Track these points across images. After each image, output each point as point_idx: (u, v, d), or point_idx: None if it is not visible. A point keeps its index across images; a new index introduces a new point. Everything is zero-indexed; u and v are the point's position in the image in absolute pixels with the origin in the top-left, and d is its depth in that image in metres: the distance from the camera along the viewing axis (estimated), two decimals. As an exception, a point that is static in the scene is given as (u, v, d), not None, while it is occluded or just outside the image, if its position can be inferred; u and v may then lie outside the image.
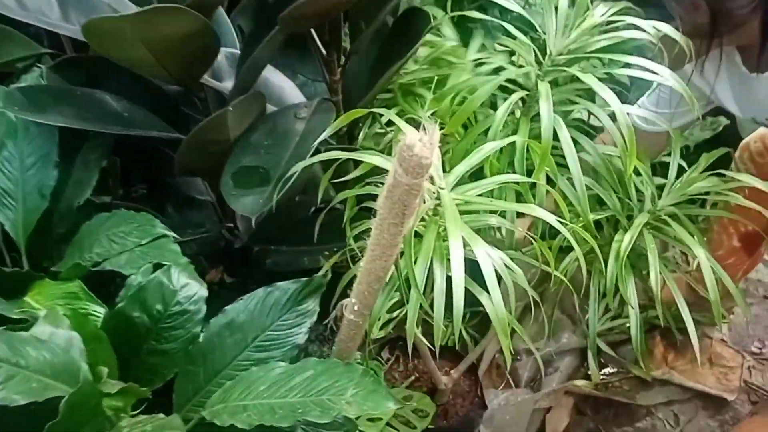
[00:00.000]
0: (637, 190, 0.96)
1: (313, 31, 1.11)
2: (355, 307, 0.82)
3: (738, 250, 1.32)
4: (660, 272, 0.91)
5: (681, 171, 1.01)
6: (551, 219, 0.70)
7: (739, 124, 1.69)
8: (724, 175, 0.95)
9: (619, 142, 0.80)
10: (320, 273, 0.88)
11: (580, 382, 1.45)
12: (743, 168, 1.20)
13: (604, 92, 0.79)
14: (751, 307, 1.76)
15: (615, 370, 1.56)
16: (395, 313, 1.12)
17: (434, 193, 0.75)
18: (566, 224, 0.88)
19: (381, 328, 1.17)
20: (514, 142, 0.86)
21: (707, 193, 0.94)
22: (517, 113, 0.92)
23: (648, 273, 0.98)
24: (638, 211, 0.96)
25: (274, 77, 1.28)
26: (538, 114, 0.91)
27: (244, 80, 1.00)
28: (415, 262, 0.71)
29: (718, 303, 0.86)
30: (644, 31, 0.82)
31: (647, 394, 1.49)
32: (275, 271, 1.28)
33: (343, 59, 1.17)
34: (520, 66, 0.91)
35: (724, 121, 1.61)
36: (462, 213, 0.77)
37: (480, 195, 0.80)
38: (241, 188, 0.99)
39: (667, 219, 0.92)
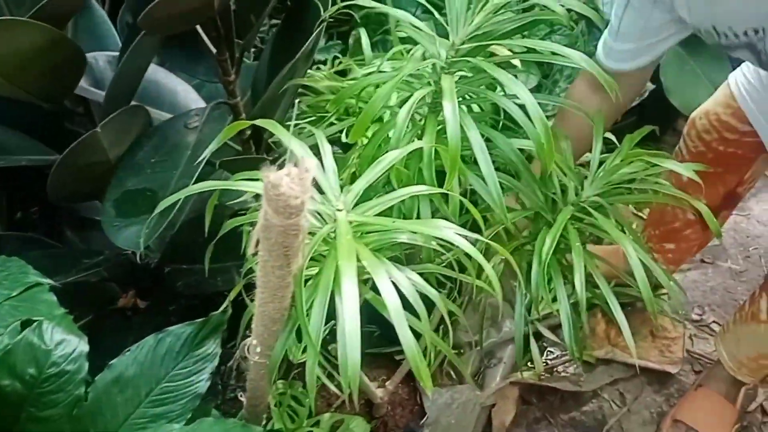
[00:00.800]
0: (563, 184, 0.88)
1: (199, 28, 0.99)
2: (257, 349, 0.73)
3: (694, 222, 1.28)
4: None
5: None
6: (460, 241, 0.62)
7: (666, 89, 1.66)
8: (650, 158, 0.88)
9: (533, 136, 0.72)
10: (220, 309, 0.78)
11: (525, 374, 1.40)
12: (691, 145, 1.16)
13: (510, 82, 0.71)
14: (689, 273, 1.74)
15: (558, 353, 1.52)
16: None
17: (331, 216, 0.66)
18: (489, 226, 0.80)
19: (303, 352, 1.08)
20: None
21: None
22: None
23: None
24: (562, 206, 0.89)
25: (165, 80, 1.16)
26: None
27: (117, 91, 0.88)
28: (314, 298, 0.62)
29: (651, 300, 0.80)
30: (551, 10, 0.74)
31: (592, 377, 1.45)
32: (187, 293, 1.18)
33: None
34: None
35: (649, 86, 1.56)
36: (367, 233, 0.69)
37: (385, 211, 0.71)
38: (124, 218, 0.88)
39: (591, 210, 0.85)
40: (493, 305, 1.34)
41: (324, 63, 1.55)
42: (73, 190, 0.93)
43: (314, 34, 0.90)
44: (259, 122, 0.69)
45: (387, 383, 1.16)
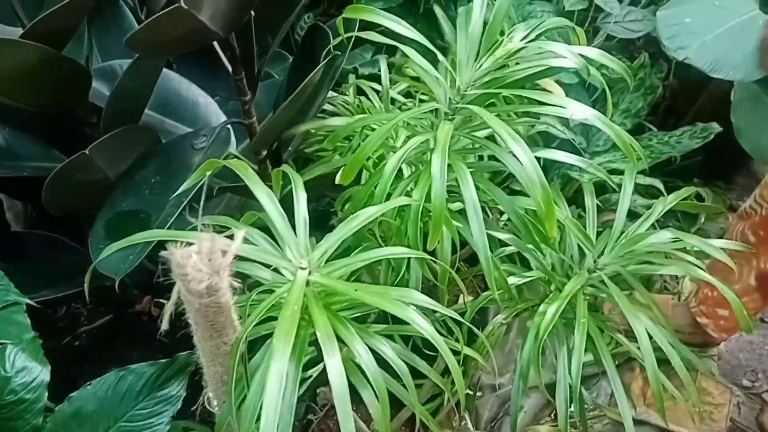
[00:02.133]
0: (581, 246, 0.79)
1: (217, 46, 0.96)
2: (214, 402, 0.68)
3: (753, 290, 1.13)
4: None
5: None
6: (418, 322, 0.55)
7: (736, 131, 1.51)
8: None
9: (534, 199, 0.64)
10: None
11: (544, 428, 1.30)
12: (763, 208, 1.03)
13: (509, 137, 0.63)
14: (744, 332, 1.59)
15: (588, 405, 1.41)
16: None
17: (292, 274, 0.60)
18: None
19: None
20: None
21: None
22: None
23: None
24: (577, 271, 0.80)
25: (187, 92, 1.13)
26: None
27: (115, 110, 0.85)
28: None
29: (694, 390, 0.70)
30: (565, 58, 0.65)
31: (619, 435, 1.34)
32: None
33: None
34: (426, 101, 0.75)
35: (716, 128, 1.42)
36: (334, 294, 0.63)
37: (372, 264, 0.65)
38: (112, 240, 0.85)
39: (606, 280, 0.76)
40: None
41: (369, 77, 1.49)
42: (69, 204, 0.91)
43: (322, 63, 0.85)
44: (227, 163, 0.64)
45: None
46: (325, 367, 0.52)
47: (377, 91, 1.14)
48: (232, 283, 0.46)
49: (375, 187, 0.73)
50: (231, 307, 0.48)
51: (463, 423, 1.35)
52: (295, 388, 0.58)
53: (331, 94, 1.16)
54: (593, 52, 0.67)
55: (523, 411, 1.36)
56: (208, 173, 0.75)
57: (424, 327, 0.55)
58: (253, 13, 0.89)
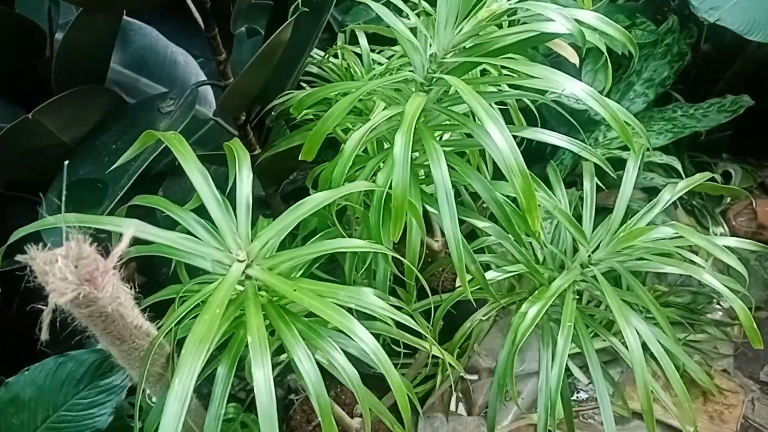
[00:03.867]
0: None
1: (189, 1, 0.87)
2: (153, 399, 0.62)
3: None
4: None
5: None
6: (359, 333, 0.47)
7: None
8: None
9: (513, 187, 0.55)
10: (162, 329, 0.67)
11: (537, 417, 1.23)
12: None
13: (487, 117, 0.54)
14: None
15: (588, 396, 1.34)
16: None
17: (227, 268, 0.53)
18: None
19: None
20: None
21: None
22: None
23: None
24: (569, 265, 0.72)
25: (165, 50, 1.05)
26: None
27: (63, 70, 0.77)
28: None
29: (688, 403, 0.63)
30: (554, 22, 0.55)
31: (622, 430, 1.26)
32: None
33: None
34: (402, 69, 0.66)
35: (747, 101, 1.29)
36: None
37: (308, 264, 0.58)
38: (67, 212, 0.79)
39: (598, 276, 0.68)
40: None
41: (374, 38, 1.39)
42: (23, 171, 0.85)
43: (290, 20, 0.75)
44: (160, 135, 0.56)
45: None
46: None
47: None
48: (121, 288, 0.39)
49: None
50: (126, 314, 0.41)
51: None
52: (225, 394, 0.52)
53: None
54: (589, 16, 0.57)
55: (521, 397, 1.29)
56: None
57: (365, 340, 0.47)
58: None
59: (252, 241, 0.54)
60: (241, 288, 0.54)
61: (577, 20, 0.56)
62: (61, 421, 0.68)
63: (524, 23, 0.60)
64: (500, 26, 0.62)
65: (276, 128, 1.12)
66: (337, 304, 0.52)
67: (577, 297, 0.69)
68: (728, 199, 1.59)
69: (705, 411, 1.27)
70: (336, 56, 1.03)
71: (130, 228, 0.38)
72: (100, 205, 0.78)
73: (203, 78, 1.08)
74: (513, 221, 0.62)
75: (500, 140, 0.54)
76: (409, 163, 0.56)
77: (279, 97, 0.93)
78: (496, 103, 0.94)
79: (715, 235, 1.59)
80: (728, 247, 0.68)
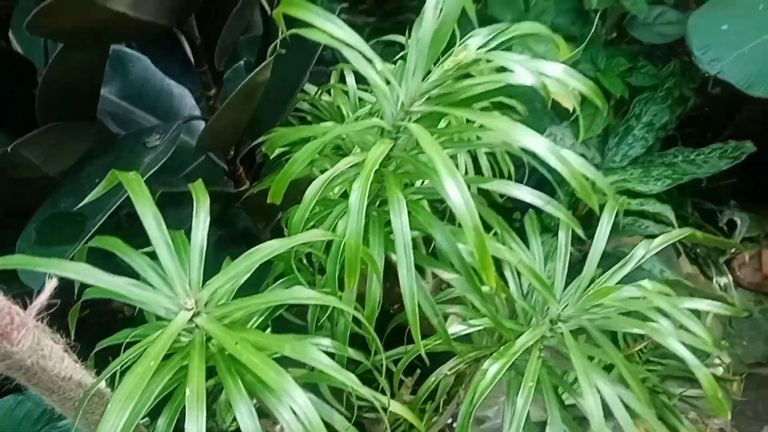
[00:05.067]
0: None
1: (179, 32, 0.89)
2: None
3: None
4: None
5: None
6: (295, 398, 0.46)
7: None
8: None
9: (468, 242, 0.54)
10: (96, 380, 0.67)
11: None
12: None
13: (445, 169, 0.53)
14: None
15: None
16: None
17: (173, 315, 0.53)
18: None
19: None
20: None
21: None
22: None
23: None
24: (539, 320, 0.70)
25: (161, 83, 1.07)
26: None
27: (48, 104, 0.79)
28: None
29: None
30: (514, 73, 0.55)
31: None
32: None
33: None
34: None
35: (749, 147, 1.27)
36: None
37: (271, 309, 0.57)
38: (41, 246, 0.80)
39: (564, 331, 0.66)
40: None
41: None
42: (8, 202, 0.86)
43: (267, 60, 0.76)
44: (123, 177, 0.57)
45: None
46: None
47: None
48: (44, 340, 0.39)
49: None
50: (50, 366, 0.41)
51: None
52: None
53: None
54: (556, 69, 0.56)
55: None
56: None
57: (299, 403, 0.47)
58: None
59: (202, 289, 0.54)
60: (191, 336, 0.54)
61: (542, 73, 0.55)
62: (19, 459, 0.67)
63: (497, 71, 0.60)
64: (469, 75, 0.61)
65: (268, 164, 1.12)
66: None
67: (542, 356, 0.67)
68: (733, 249, 1.55)
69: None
70: (329, 93, 1.04)
71: (52, 281, 0.38)
72: (76, 239, 0.79)
73: (197, 112, 1.09)
74: (472, 275, 0.61)
75: (455, 194, 0.53)
76: (363, 214, 0.55)
77: (266, 133, 0.94)
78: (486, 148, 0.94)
79: (719, 285, 1.56)
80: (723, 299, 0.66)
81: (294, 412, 0.50)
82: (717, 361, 1.42)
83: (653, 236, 0.75)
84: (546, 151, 0.54)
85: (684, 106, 1.31)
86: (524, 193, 0.62)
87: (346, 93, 0.95)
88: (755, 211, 1.64)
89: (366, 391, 0.56)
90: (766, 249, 1.59)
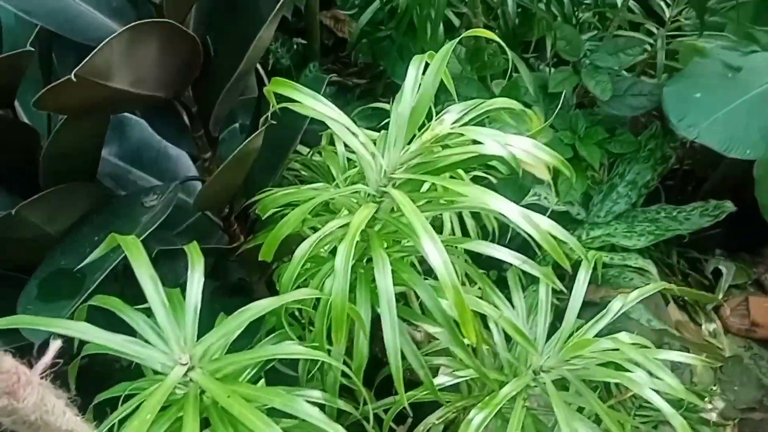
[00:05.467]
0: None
1: (176, 102, 0.94)
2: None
3: None
4: None
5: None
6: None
7: (762, 208, 1.39)
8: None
9: (448, 301, 0.57)
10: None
11: None
12: None
13: (424, 233, 0.57)
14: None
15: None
16: None
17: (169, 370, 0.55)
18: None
19: None
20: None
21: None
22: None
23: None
24: (523, 370, 0.73)
25: (158, 144, 1.12)
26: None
27: (50, 169, 0.83)
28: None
29: None
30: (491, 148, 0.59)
31: None
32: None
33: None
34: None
35: (729, 207, 1.31)
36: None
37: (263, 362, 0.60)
38: (42, 301, 0.83)
39: (547, 382, 0.69)
40: None
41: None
42: (8, 260, 0.89)
43: (260, 129, 0.81)
44: (122, 241, 0.60)
45: None
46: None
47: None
48: (48, 396, 0.42)
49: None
50: (53, 420, 0.44)
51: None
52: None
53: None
54: (525, 143, 0.61)
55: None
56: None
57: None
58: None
59: (196, 345, 0.57)
60: (186, 390, 0.56)
61: (511, 145, 0.60)
62: None
63: (472, 143, 0.64)
64: (447, 146, 0.66)
65: (261, 220, 1.16)
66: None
67: (526, 405, 0.70)
68: (720, 296, 1.58)
69: None
70: (320, 153, 1.09)
71: (56, 342, 0.41)
72: (75, 295, 0.82)
73: (194, 172, 1.13)
74: (456, 330, 0.64)
75: (434, 255, 0.56)
76: (348, 274, 0.58)
77: (259, 193, 0.98)
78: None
79: (708, 331, 1.58)
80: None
81: None
82: (710, 406, 1.44)
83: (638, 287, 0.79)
84: (518, 217, 0.58)
85: (666, 164, 1.36)
86: (502, 254, 0.65)
87: (336, 153, 0.99)
88: (741, 259, 1.67)
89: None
90: (753, 296, 1.62)
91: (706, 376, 1.52)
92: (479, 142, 0.60)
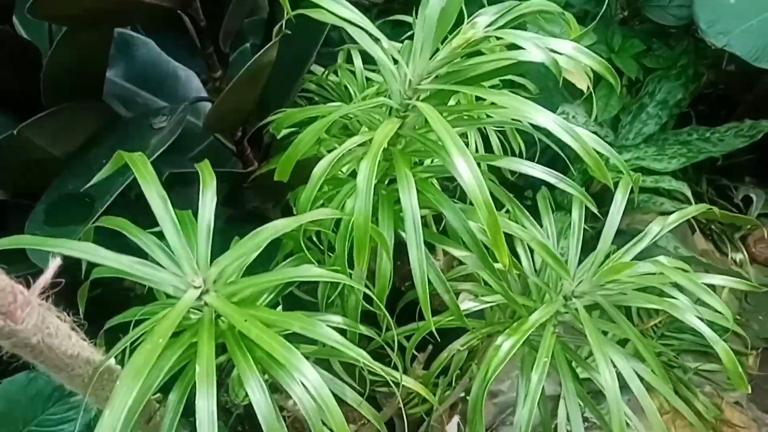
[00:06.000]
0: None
1: (183, 15, 0.88)
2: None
3: None
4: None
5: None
6: (307, 375, 0.46)
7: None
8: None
9: (479, 220, 0.53)
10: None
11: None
12: None
13: (454, 148, 0.52)
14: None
15: (593, 421, 1.30)
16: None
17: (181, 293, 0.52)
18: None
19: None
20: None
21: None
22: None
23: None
24: (553, 296, 0.69)
25: (166, 65, 1.06)
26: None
27: (52, 86, 0.78)
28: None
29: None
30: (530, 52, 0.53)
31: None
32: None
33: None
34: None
35: (765, 126, 1.24)
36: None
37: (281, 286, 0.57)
38: (50, 226, 0.80)
39: (579, 307, 0.65)
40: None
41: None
42: (14, 184, 0.86)
43: (273, 40, 0.75)
44: (128, 158, 0.56)
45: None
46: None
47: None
48: (50, 318, 0.39)
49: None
50: (57, 344, 0.41)
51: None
52: (174, 423, 0.51)
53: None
54: (567, 46, 0.55)
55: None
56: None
57: (309, 379, 0.46)
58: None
59: (211, 267, 0.54)
60: (199, 314, 0.53)
61: (553, 50, 0.54)
62: (33, 436, 0.68)
63: (507, 49, 0.59)
64: (479, 53, 0.60)
65: (276, 144, 1.11)
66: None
67: (557, 332, 0.67)
68: (748, 225, 1.53)
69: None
70: (336, 73, 1.03)
71: (56, 260, 0.38)
72: (84, 219, 0.78)
73: (204, 94, 1.08)
74: (485, 252, 0.60)
75: (465, 171, 0.52)
76: (371, 193, 0.54)
77: (272, 114, 0.93)
78: (496, 126, 0.93)
79: (734, 261, 1.54)
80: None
81: (305, 388, 0.50)
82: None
83: (668, 213, 0.74)
84: (558, 128, 0.53)
85: (698, 83, 1.29)
86: (536, 171, 0.61)
87: (353, 73, 0.93)
88: (771, 187, 1.61)
89: (378, 367, 0.56)
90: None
91: (732, 306, 1.49)
92: (517, 48, 0.54)
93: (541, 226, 0.73)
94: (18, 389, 0.68)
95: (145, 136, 0.87)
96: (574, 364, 0.71)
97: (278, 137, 0.78)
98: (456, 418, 1.31)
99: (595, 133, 1.21)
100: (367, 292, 0.56)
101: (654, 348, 0.69)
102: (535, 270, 0.74)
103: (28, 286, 0.37)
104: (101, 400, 0.52)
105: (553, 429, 0.77)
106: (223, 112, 0.84)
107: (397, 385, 0.61)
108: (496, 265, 0.62)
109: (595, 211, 0.64)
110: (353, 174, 0.79)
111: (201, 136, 1.08)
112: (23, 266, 0.77)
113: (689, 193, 1.13)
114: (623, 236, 0.77)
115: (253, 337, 0.48)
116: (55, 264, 0.37)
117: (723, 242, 1.55)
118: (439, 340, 0.73)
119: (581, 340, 0.77)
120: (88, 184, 0.69)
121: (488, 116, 0.62)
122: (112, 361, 0.52)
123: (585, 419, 1.33)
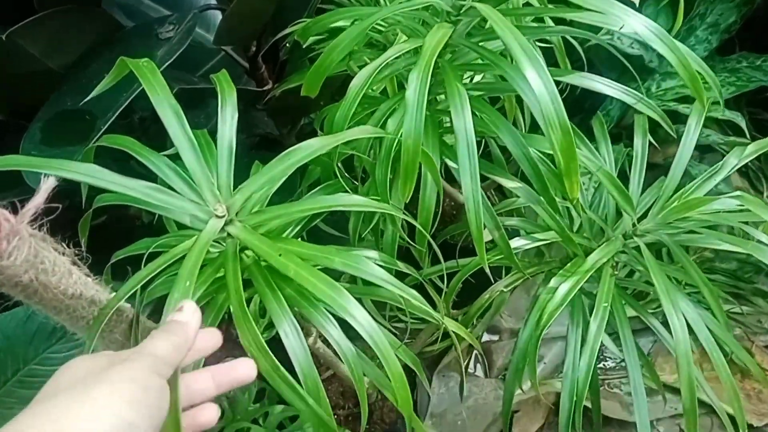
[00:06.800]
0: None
1: None
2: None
3: None
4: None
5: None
6: (345, 305, 0.39)
7: None
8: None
9: (550, 143, 0.45)
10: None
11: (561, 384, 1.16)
12: None
13: (523, 55, 0.44)
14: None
15: (616, 365, 1.26)
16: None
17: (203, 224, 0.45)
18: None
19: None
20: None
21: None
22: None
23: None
24: (610, 235, 0.62)
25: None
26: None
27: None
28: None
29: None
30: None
31: (651, 404, 1.18)
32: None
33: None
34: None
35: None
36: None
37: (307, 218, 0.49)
38: (48, 146, 0.71)
39: (642, 247, 0.58)
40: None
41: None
42: (14, 100, 0.77)
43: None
44: (133, 64, 0.47)
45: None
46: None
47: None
48: (44, 252, 0.31)
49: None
50: (53, 282, 0.33)
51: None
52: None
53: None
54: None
55: (543, 362, 1.22)
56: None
57: (360, 321, 0.39)
58: None
59: (234, 194, 0.46)
60: (222, 247, 0.46)
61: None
62: (33, 375, 0.62)
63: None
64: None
65: (294, 61, 1.01)
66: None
67: (615, 273, 0.60)
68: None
69: (742, 389, 1.18)
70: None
71: (48, 180, 0.30)
72: (85, 139, 0.70)
73: (214, 1, 0.98)
74: (547, 183, 0.52)
75: (539, 86, 0.43)
76: (423, 109, 0.46)
77: (291, 26, 0.83)
78: (538, 42, 0.83)
79: (770, 200, 1.46)
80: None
81: (335, 328, 0.44)
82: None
83: (711, 147, 0.66)
84: (652, 35, 0.44)
85: (751, 5, 1.17)
86: (612, 89, 0.52)
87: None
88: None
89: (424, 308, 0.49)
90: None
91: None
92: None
93: (600, 154, 0.64)
94: (17, 325, 0.62)
95: (151, 47, 0.77)
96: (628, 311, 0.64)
97: (303, 46, 0.68)
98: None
99: (640, 56, 1.12)
100: (413, 222, 0.48)
101: (720, 295, 0.62)
102: (588, 205, 0.67)
103: (14, 212, 0.29)
104: (110, 342, 0.46)
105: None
106: (237, 20, 0.74)
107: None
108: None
109: (673, 133, 0.56)
110: (384, 93, 0.71)
111: (209, 53, 0.98)
112: (17, 192, 0.69)
113: (744, 124, 1.04)
114: (659, 170, 0.69)
115: (291, 273, 0.41)
116: (48, 185, 0.30)
117: (759, 180, 1.46)
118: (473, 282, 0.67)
119: (635, 283, 0.70)
120: (88, 98, 0.61)
121: (566, 22, 0.52)
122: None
123: (605, 358, 1.28)
